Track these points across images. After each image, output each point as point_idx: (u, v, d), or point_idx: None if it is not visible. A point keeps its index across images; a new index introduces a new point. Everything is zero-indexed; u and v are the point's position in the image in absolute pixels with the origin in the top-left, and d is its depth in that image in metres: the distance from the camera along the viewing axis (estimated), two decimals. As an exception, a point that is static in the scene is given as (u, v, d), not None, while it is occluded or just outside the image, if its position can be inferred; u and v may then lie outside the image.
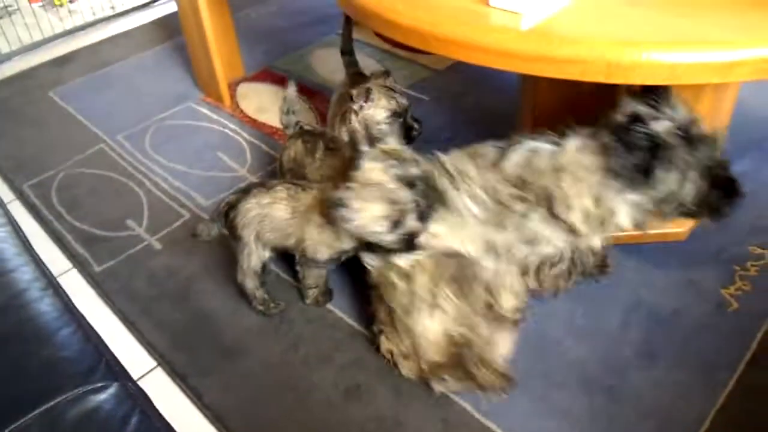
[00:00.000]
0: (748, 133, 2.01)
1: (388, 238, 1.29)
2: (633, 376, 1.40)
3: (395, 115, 1.64)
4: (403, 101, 1.66)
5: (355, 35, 2.69)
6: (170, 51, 2.73)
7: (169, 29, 2.89)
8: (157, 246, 1.82)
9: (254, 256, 1.53)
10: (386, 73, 1.72)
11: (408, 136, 1.67)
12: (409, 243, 1.30)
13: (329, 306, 1.61)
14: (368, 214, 1.27)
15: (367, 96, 1.61)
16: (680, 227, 1.67)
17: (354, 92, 1.63)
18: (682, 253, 1.65)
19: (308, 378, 1.45)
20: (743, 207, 1.72)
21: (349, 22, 1.92)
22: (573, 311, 1.54)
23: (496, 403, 1.36)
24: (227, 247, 1.77)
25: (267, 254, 1.54)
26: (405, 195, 1.26)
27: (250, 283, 1.56)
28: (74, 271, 1.79)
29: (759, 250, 1.65)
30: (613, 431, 1.31)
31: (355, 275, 1.66)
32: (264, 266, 1.56)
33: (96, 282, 1.74)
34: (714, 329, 1.48)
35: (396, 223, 1.27)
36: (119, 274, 1.75)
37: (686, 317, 1.51)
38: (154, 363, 1.54)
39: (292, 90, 1.73)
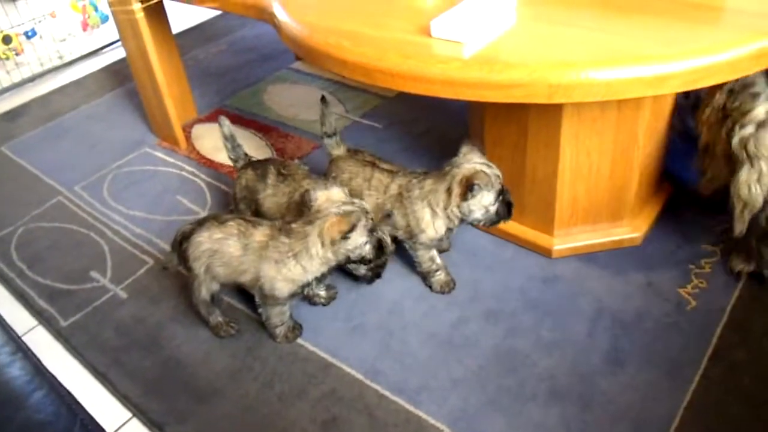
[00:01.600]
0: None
1: (368, 248, 1.44)
2: (602, 383, 1.44)
3: (498, 194, 1.53)
4: (499, 174, 1.53)
5: (306, 68, 2.76)
6: (122, 97, 2.73)
7: (119, 75, 2.89)
8: (123, 295, 1.81)
9: (203, 287, 1.57)
10: (475, 148, 1.56)
11: (508, 212, 1.56)
12: (380, 250, 1.45)
13: (300, 340, 1.61)
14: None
15: (469, 187, 1.48)
16: (636, 232, 1.73)
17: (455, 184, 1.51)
18: (639, 257, 1.71)
19: (285, 415, 1.46)
20: (694, 207, 1.80)
21: (325, 103, 1.80)
22: (539, 324, 1.57)
23: (470, 423, 1.38)
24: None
25: (216, 287, 1.57)
26: (361, 202, 1.45)
27: (203, 310, 1.61)
28: (40, 327, 1.76)
29: (711, 248, 1.71)
30: (588, 438, 1.35)
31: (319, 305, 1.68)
32: (213, 297, 1.59)
33: (63, 337, 1.71)
34: (676, 328, 1.53)
35: (371, 231, 1.42)
36: (86, 326, 1.73)
37: (648, 320, 1.56)
38: (128, 414, 1.53)
39: (226, 124, 1.77)
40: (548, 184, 1.65)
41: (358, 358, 1.55)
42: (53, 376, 1.01)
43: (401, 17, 1.38)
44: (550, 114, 1.53)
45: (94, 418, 0.97)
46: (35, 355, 1.04)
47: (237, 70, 2.82)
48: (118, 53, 3.06)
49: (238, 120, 2.46)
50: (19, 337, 1.07)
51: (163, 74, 2.20)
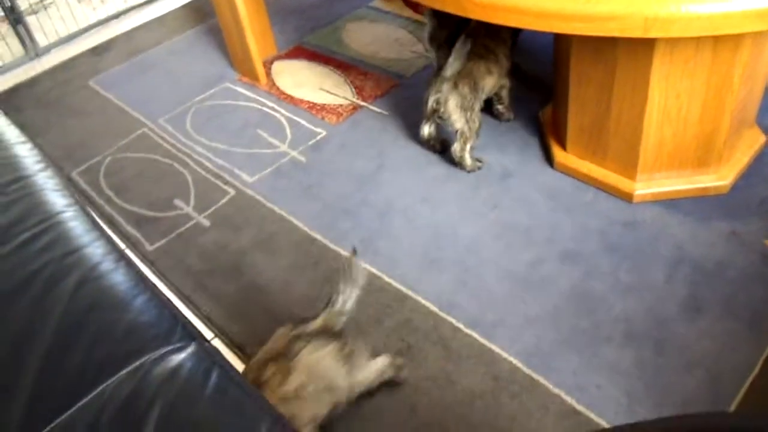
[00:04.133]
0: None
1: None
2: (679, 329, 1.42)
3: None
4: None
5: (385, 6, 2.73)
6: (203, 34, 2.78)
7: (201, 12, 2.94)
8: (206, 223, 1.88)
9: None
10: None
11: None
12: None
13: (377, 271, 1.65)
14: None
15: None
16: (723, 180, 1.67)
17: None
18: (725, 206, 1.66)
19: (360, 341, 1.51)
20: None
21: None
22: (617, 267, 1.56)
23: (544, 360, 1.40)
24: (274, 221, 1.84)
25: None
26: None
27: None
28: (128, 251, 1.86)
29: (803, 200, 1.65)
30: (661, 382, 1.34)
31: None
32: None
33: (150, 261, 1.81)
34: (759, 280, 1.49)
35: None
36: (171, 252, 1.82)
37: (731, 269, 1.52)
38: (211, 335, 1.61)
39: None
40: (634, 126, 1.61)
41: (434, 291, 1.58)
42: (153, 284, 1.07)
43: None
44: (640, 53, 1.48)
45: (192, 323, 1.03)
46: (136, 265, 1.12)
47: (316, 7, 2.82)
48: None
49: (317, 57, 2.48)
50: (122, 250, 1.14)
51: (246, 11, 2.23)
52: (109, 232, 1.91)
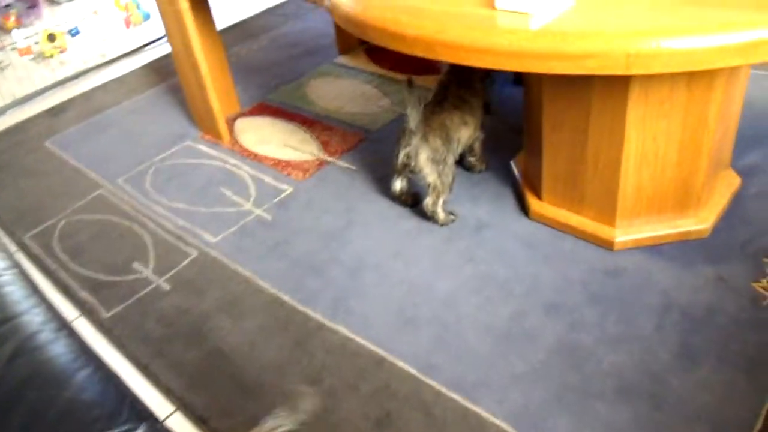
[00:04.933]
0: (756, 127, 1.99)
1: None
2: (674, 381, 1.34)
3: None
4: None
5: (349, 62, 2.71)
6: (163, 93, 2.71)
7: (161, 72, 2.88)
8: (166, 287, 1.76)
9: None
10: None
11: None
12: None
13: (350, 333, 1.55)
14: None
15: None
16: (703, 223, 1.63)
17: None
18: (707, 250, 1.61)
19: (336, 410, 1.39)
20: (763, 199, 1.70)
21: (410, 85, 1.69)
22: (603, 318, 1.48)
23: (534, 422, 1.30)
24: (239, 283, 1.73)
25: None
26: None
27: None
28: (82, 318, 1.73)
29: (785, 241, 1.60)
30: (662, 439, 1.25)
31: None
32: None
33: (106, 328, 1.67)
34: (752, 325, 1.42)
35: None
36: (129, 318, 1.69)
37: (721, 315, 1.45)
38: (172, 407, 1.47)
39: None
40: (611, 171, 1.56)
41: (412, 352, 1.48)
42: (99, 356, 0.96)
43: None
44: (615, 95, 1.44)
45: (142, 400, 0.91)
46: (80, 335, 1.00)
47: (279, 65, 2.78)
48: (159, 51, 3.05)
49: (281, 114, 2.42)
50: (65, 318, 1.02)
51: (208, 68, 2.17)
52: (62, 298, 1.80)
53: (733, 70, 1.44)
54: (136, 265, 1.85)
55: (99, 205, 2.11)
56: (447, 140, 1.72)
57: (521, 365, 1.41)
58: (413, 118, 1.65)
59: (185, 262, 1.84)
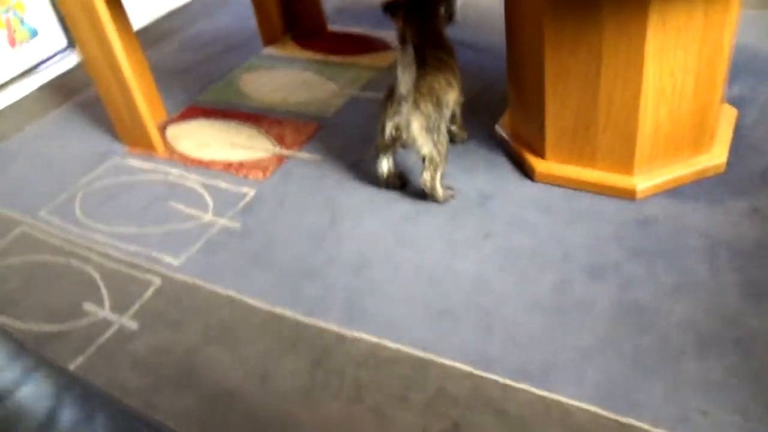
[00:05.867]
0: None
1: None
2: (753, 322, 1.22)
3: None
4: None
5: (278, 53, 2.46)
6: (71, 112, 2.33)
7: (63, 90, 2.49)
8: (132, 325, 1.45)
9: None
10: None
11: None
12: None
13: (378, 339, 1.32)
14: None
15: None
16: (719, 157, 1.54)
17: None
18: (730, 185, 1.52)
19: (389, 430, 1.16)
20: (762, 127, 1.64)
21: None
22: (652, 271, 1.35)
23: (623, 396, 1.14)
24: (222, 305, 1.45)
25: None
26: None
27: None
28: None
29: (802, 164, 1.55)
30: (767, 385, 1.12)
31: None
32: None
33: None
34: (804, 251, 1.34)
35: None
36: (95, 371, 1.37)
37: (770, 246, 1.36)
38: (179, 468, 1.19)
39: None
40: (627, 114, 1.43)
41: (459, 347, 1.27)
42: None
43: None
44: (630, 29, 1.31)
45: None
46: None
47: (199, 65, 2.48)
48: (55, 69, 2.65)
49: (216, 114, 2.14)
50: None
51: (132, 73, 1.86)
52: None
53: (744, -13, 1.35)
54: (87, 307, 1.52)
55: (23, 244, 1.74)
56: (438, 105, 1.53)
57: (586, 338, 1.25)
58: (405, 82, 1.44)
59: (149, 293, 1.53)
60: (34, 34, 2.74)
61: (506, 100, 1.80)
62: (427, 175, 1.56)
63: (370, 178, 1.73)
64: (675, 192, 1.52)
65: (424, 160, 1.55)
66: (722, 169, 1.55)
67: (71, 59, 2.80)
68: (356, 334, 1.34)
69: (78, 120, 2.28)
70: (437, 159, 1.54)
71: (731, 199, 1.48)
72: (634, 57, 1.35)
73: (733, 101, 1.74)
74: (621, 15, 1.30)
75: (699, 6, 1.30)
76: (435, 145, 1.53)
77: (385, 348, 1.30)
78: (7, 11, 2.63)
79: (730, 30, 1.37)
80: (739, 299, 1.27)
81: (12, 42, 2.68)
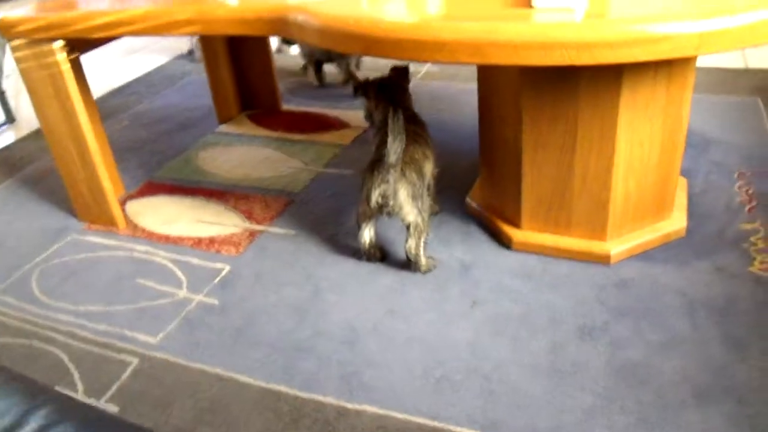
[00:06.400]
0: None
1: None
2: (740, 372, 1.29)
3: None
4: None
5: (235, 130, 2.46)
6: (16, 188, 2.22)
7: (4, 167, 2.39)
8: (112, 409, 1.35)
9: None
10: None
11: None
12: None
13: (382, 410, 1.29)
14: None
15: None
16: (679, 223, 1.66)
17: None
18: (692, 247, 1.64)
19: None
20: (710, 194, 1.79)
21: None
22: (638, 329, 1.41)
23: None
24: (211, 384, 1.39)
25: None
26: None
27: None
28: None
29: (749, 226, 1.69)
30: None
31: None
32: None
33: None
34: (770, 305, 1.45)
35: None
36: (72, 461, 1.26)
37: (740, 302, 1.46)
38: None
39: None
40: (600, 184, 1.53)
41: (464, 413, 1.27)
42: None
43: (477, 2, 1.24)
44: (604, 103, 1.43)
45: None
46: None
47: (153, 142, 2.44)
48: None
49: (177, 190, 2.10)
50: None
51: (96, 143, 1.82)
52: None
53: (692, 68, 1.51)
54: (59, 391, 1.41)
55: (-27, 329, 1.60)
56: (420, 174, 1.59)
57: (588, 397, 1.28)
58: (395, 150, 1.48)
59: (126, 374, 1.44)
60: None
61: (470, 173, 1.88)
62: (412, 243, 1.59)
63: (349, 251, 1.74)
64: (645, 255, 1.62)
65: (408, 227, 1.58)
66: (683, 233, 1.67)
67: (8, 135, 2.69)
68: (358, 406, 1.31)
69: (24, 196, 2.17)
70: (422, 226, 1.58)
71: (696, 260, 1.60)
72: (608, 128, 1.46)
73: (682, 172, 1.90)
74: (596, 89, 1.42)
75: (662, 82, 1.44)
76: (420, 212, 1.57)
77: (391, 419, 1.27)
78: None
79: (687, 105, 1.52)
80: (723, 351, 1.34)
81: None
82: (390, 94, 1.76)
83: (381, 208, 1.56)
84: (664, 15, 1.04)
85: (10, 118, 2.82)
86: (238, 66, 2.47)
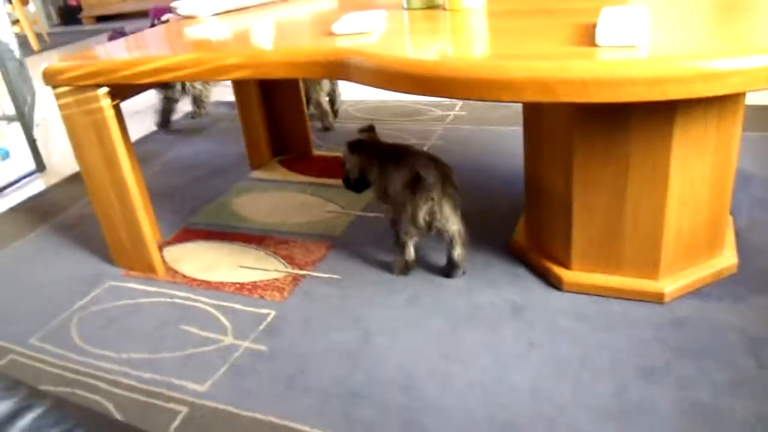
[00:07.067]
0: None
1: None
2: (814, 415, 1.26)
3: None
4: None
5: (268, 176, 2.47)
6: (50, 235, 2.21)
7: (37, 213, 2.38)
8: (164, 460, 1.32)
9: None
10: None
11: None
12: None
13: (445, 456, 1.25)
14: None
15: None
16: (732, 259, 1.64)
17: None
18: (747, 283, 1.60)
19: None
20: (756, 230, 1.76)
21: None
22: (703, 369, 1.37)
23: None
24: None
25: None
26: None
27: None
28: None
29: (802, 266, 1.67)
30: None
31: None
32: None
33: None
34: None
35: None
36: None
37: (803, 342, 1.43)
38: None
39: None
40: (653, 223, 1.52)
41: (535, 457, 1.23)
42: None
43: (543, 37, 1.25)
44: (657, 143, 1.43)
45: None
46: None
47: (186, 188, 2.44)
48: (24, 192, 2.54)
49: (215, 236, 2.09)
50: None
51: (138, 189, 1.82)
52: None
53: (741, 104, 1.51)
54: (105, 444, 1.37)
55: (15, 375, 1.56)
56: (454, 185, 1.70)
57: (661, 440, 1.24)
58: (431, 173, 1.63)
59: (176, 423, 1.40)
60: (5, 156, 2.64)
61: (511, 214, 1.87)
62: (460, 251, 1.72)
63: (396, 294, 1.72)
64: (698, 293, 1.59)
65: (453, 237, 1.70)
66: (735, 270, 1.65)
67: (38, 183, 2.71)
68: (421, 453, 1.27)
69: (59, 242, 2.16)
70: (464, 233, 1.70)
71: (752, 296, 1.57)
72: (660, 166, 1.45)
73: (723, 211, 1.89)
74: (648, 127, 1.42)
75: (713, 119, 1.44)
76: (460, 221, 1.69)
77: None
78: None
79: (736, 141, 1.51)
80: (800, 392, 1.31)
81: (-18, 163, 2.58)
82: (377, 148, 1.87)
83: (428, 225, 1.67)
84: (732, 50, 1.05)
85: (41, 167, 2.84)
86: (271, 112, 2.49)
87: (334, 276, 1.83)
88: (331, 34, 1.48)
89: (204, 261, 1.96)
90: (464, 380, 1.43)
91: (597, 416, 1.30)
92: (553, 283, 1.69)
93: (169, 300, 1.80)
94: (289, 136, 2.55)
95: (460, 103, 3.07)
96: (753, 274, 1.64)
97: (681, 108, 1.39)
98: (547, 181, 1.66)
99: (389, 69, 1.25)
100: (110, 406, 1.46)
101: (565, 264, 1.67)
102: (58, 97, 1.77)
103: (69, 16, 8.38)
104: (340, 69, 1.36)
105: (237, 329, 1.66)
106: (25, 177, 2.76)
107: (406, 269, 1.79)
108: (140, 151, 2.84)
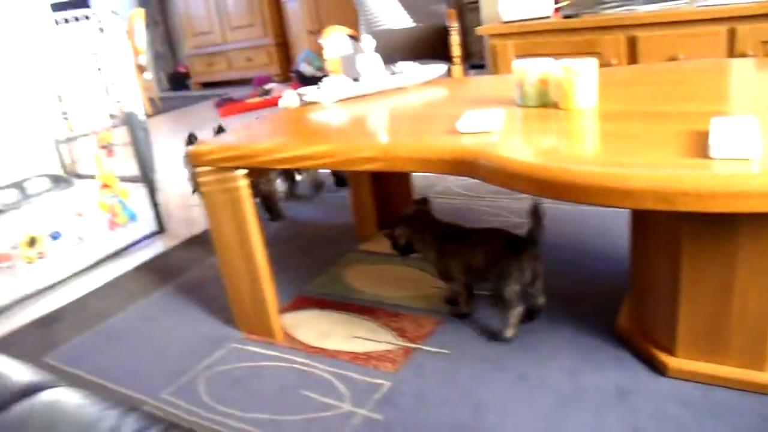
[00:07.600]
0: None
1: None
2: None
3: None
4: None
5: (376, 249, 2.63)
6: (174, 295, 2.43)
7: (160, 273, 2.62)
8: None
9: None
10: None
11: None
12: None
13: None
14: None
15: None
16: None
17: None
18: None
19: None
20: None
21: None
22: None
23: None
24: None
25: None
26: None
27: None
28: None
29: None
30: None
31: None
32: None
33: None
34: None
35: None
36: None
37: None
38: None
39: None
40: (760, 316, 1.57)
41: None
42: None
43: (657, 145, 1.37)
44: (765, 239, 1.49)
45: None
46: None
47: (293, 257, 2.63)
48: (146, 252, 2.80)
49: (329, 305, 2.25)
50: None
51: (263, 257, 2.01)
52: None
53: None
54: (239, 498, 1.50)
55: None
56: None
57: None
58: (533, 231, 1.84)
59: (302, 484, 1.53)
60: (132, 218, 2.93)
61: (613, 295, 1.95)
62: (543, 296, 1.96)
63: (504, 371, 1.81)
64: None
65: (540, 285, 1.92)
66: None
67: (159, 245, 2.96)
68: None
69: (182, 303, 2.37)
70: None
71: None
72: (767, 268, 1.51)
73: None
74: (757, 228, 1.49)
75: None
76: None
77: None
78: (113, 197, 2.83)
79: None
80: None
81: (112, 225, 2.86)
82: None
83: (533, 281, 1.88)
84: None
85: (162, 229, 3.11)
86: (380, 188, 2.68)
87: (444, 350, 1.94)
88: (456, 132, 1.64)
89: (319, 329, 2.11)
90: (573, 461, 1.50)
91: (708, 507, 1.34)
92: (658, 368, 1.74)
93: (288, 365, 1.96)
94: (396, 212, 2.72)
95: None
96: None
97: (790, 209, 1.46)
98: (653, 269, 1.74)
99: (514, 171, 1.38)
100: (241, 463, 1.60)
101: (670, 350, 1.72)
102: (200, 175, 2.00)
103: (178, 82, 9.09)
104: (467, 167, 1.51)
105: (354, 397, 1.79)
106: (147, 237, 3.03)
107: (516, 325, 1.93)
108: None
